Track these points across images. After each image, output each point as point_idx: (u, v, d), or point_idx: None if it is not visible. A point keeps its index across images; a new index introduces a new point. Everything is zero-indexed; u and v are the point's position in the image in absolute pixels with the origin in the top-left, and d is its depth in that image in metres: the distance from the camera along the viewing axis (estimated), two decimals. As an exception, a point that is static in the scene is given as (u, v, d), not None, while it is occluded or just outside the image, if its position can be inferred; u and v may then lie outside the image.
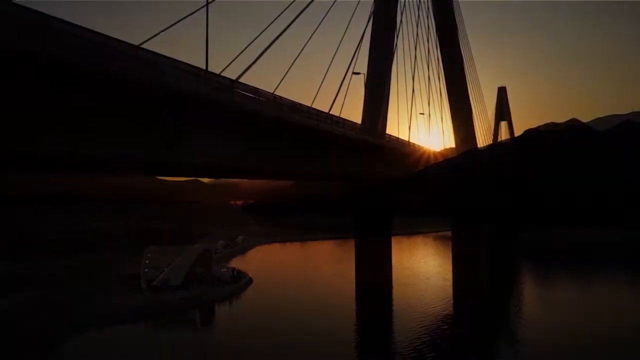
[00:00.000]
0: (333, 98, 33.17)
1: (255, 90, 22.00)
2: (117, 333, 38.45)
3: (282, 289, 56.52)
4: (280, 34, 25.77)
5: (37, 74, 13.25)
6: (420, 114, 55.44)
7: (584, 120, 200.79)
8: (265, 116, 22.32)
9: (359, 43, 41.51)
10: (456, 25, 64.66)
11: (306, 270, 73.17)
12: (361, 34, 43.02)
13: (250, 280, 56.27)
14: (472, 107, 67.85)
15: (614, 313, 48.56)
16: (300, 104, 26.03)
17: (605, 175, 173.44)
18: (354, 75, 39.47)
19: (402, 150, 45.42)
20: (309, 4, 29.06)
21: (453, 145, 64.35)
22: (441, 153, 71.43)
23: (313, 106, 32.02)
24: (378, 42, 51.32)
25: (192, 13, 25.15)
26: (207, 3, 24.79)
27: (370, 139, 33.59)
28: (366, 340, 36.68)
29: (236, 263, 70.07)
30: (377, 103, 44.10)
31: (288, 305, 46.95)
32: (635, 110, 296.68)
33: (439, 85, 59.86)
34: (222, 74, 19.87)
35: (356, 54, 40.42)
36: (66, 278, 55.14)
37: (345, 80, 36.03)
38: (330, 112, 32.45)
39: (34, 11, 12.45)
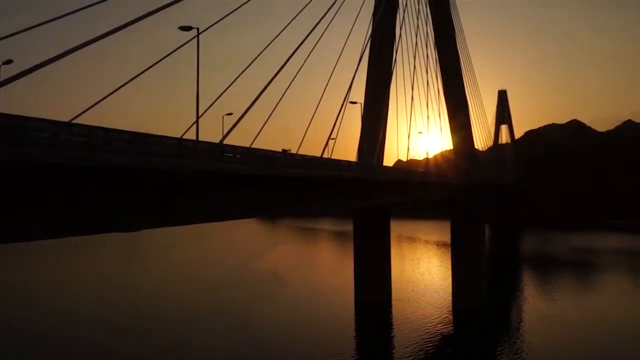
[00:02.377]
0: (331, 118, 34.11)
1: (245, 151, 21.82)
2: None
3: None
4: (271, 80, 25.61)
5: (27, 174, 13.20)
6: (419, 132, 55.61)
7: (585, 121, 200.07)
8: (254, 175, 22.23)
9: (358, 63, 41.09)
10: (455, 33, 64.67)
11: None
12: (358, 55, 42.63)
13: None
14: (471, 112, 68.85)
15: (616, 318, 48.77)
16: (292, 155, 25.90)
17: (606, 176, 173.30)
18: (353, 92, 39.29)
19: (399, 176, 45.42)
20: (300, 44, 28.72)
21: (452, 147, 64.47)
22: (441, 154, 71.42)
23: (309, 130, 32.91)
24: (377, 64, 51.27)
25: (180, 47, 24.93)
26: (198, 33, 24.53)
27: (364, 175, 33.54)
28: None
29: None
30: (375, 130, 44.08)
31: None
32: (636, 110, 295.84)
33: (437, 85, 60.24)
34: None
35: (354, 76, 39.96)
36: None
37: (342, 98, 36.21)
38: (330, 136, 33.44)
39: (9, 115, 12.20)
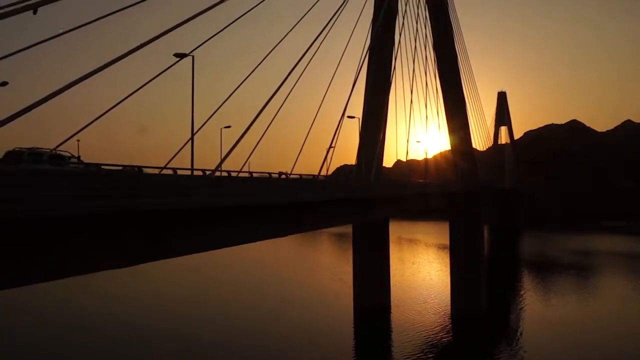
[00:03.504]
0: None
1: (240, 181, 21.65)
2: None
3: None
4: (268, 101, 25.41)
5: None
6: (417, 142, 55.44)
7: (584, 121, 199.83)
8: (251, 205, 22.05)
9: (357, 71, 40.88)
10: (453, 35, 64.61)
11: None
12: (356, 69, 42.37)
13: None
14: (470, 114, 69.34)
15: (619, 323, 48.82)
16: (289, 180, 25.77)
17: (606, 176, 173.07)
18: (352, 99, 39.12)
19: (398, 189, 45.32)
20: (298, 62, 28.48)
21: (451, 149, 64.60)
22: (441, 154, 71.37)
23: (308, 139, 33.11)
24: (377, 68, 51.04)
25: (174, 64, 24.72)
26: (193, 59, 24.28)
27: (363, 195, 33.43)
28: None
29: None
30: (374, 138, 43.92)
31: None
32: (636, 110, 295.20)
33: (436, 86, 60.40)
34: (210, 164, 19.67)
35: (354, 85, 39.70)
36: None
37: (340, 107, 36.20)
38: (330, 145, 33.51)
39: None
